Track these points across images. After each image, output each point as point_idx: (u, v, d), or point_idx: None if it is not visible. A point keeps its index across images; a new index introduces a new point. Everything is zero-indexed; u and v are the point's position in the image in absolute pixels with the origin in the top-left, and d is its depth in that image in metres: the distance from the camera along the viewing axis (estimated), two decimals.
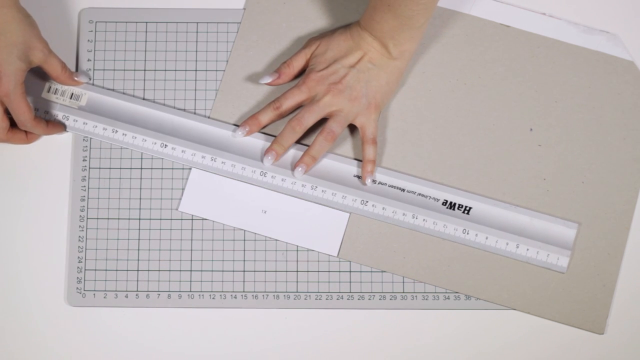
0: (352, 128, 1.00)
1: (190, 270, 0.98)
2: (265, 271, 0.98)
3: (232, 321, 0.98)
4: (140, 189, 0.99)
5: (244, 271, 0.98)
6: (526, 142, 1.00)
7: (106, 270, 0.98)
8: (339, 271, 0.98)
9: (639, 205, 1.00)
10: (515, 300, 0.98)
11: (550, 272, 0.98)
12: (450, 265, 0.98)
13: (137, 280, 0.98)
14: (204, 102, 1.01)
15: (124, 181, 0.99)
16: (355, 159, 1.00)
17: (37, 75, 1.01)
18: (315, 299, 0.98)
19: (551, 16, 1.03)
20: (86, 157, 1.00)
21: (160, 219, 0.99)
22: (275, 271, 0.98)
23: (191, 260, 0.98)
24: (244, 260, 0.98)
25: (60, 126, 0.99)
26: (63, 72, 0.98)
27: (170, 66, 1.02)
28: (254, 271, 0.98)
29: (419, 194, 0.99)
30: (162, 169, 1.00)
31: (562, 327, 0.98)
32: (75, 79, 1.00)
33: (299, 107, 0.99)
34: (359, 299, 0.98)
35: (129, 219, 0.99)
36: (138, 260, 0.98)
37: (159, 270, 0.98)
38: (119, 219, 0.99)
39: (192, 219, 0.99)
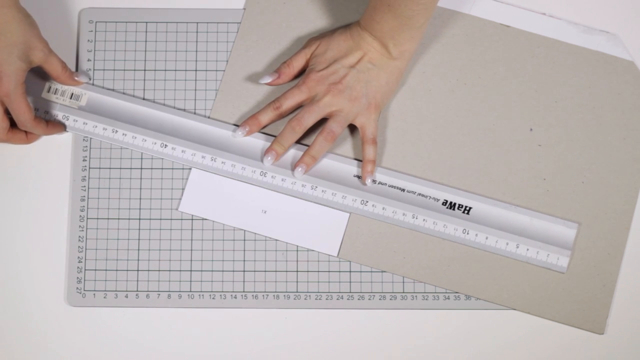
0: (352, 128, 1.00)
1: (190, 270, 0.98)
2: (265, 271, 0.98)
3: (232, 321, 0.98)
4: (140, 189, 0.99)
5: (244, 271, 0.98)
6: (526, 142, 1.00)
7: (106, 270, 0.98)
8: (339, 271, 0.98)
9: (639, 205, 1.00)
10: (515, 300, 0.98)
11: (550, 272, 0.98)
12: (450, 265, 0.98)
13: (137, 280, 0.98)
14: (204, 102, 1.01)
15: (124, 181, 0.99)
16: (355, 159, 1.00)
17: (37, 75, 1.01)
18: (315, 299, 0.98)
19: (551, 16, 1.03)
20: (86, 157, 1.00)
21: (160, 219, 0.99)
22: (275, 271, 0.98)
23: (191, 260, 0.98)
24: (244, 260, 0.98)
25: (60, 126, 0.99)
26: (63, 72, 0.98)
27: (170, 66, 1.02)
28: (254, 271, 0.98)
29: (419, 194, 0.99)
30: (162, 169, 1.00)
31: (562, 327, 0.98)
32: (76, 78, 1.00)
33: (299, 107, 0.99)
34: (359, 299, 0.98)
35: (129, 219, 0.99)
36: (138, 260, 0.98)
37: (159, 270, 0.98)
38: (119, 219, 0.99)
39: (192, 219, 0.99)
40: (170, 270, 0.98)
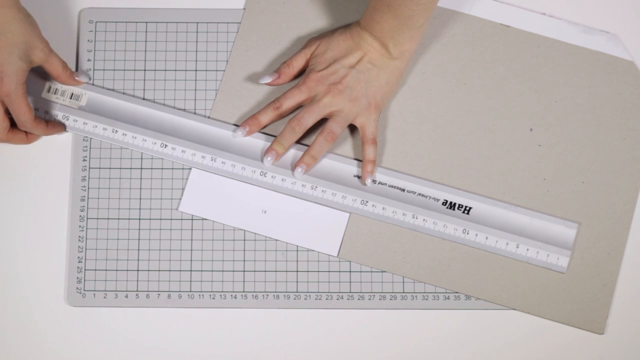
0: (352, 128, 1.00)
1: (190, 270, 0.98)
2: (265, 271, 0.98)
3: (232, 321, 0.98)
4: (140, 189, 0.99)
5: (244, 271, 0.98)
6: (526, 142, 1.00)
7: (106, 270, 0.98)
8: (339, 271, 0.98)
9: (639, 205, 1.00)
10: (515, 300, 0.98)
11: (550, 272, 0.98)
12: (450, 265, 0.98)
13: (137, 280, 0.98)
14: (204, 102, 1.01)
15: (124, 181, 0.99)
16: (355, 159, 1.00)
17: (37, 75, 1.01)
18: (315, 299, 0.98)
19: (551, 16, 1.03)
20: (86, 157, 1.00)
21: (160, 219, 0.99)
22: (275, 271, 0.98)
23: (191, 260, 0.98)
24: (244, 260, 0.98)
25: (60, 126, 0.99)
26: (64, 72, 0.98)
27: (170, 66, 1.02)
28: (254, 271, 0.98)
29: (419, 194, 0.99)
30: (162, 169, 1.00)
31: (562, 327, 0.98)
32: (76, 78, 1.00)
33: (299, 107, 0.99)
34: (359, 299, 0.98)
35: (129, 219, 0.99)
36: (138, 260, 0.98)
37: (159, 270, 0.98)
38: (119, 219, 0.99)
39: (192, 219, 0.99)
40: (170, 270, 0.98)
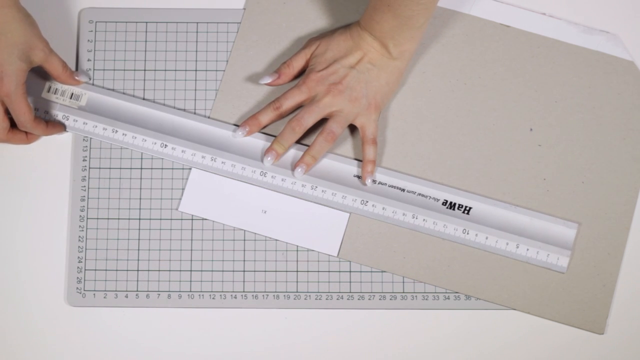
0: (352, 128, 1.00)
1: (190, 270, 0.98)
2: (265, 271, 0.98)
3: (232, 321, 0.98)
4: (140, 189, 0.99)
5: (244, 271, 0.98)
6: (526, 142, 1.00)
7: (106, 270, 0.98)
8: (339, 271, 0.98)
9: (639, 205, 1.00)
10: (515, 300, 0.98)
11: (550, 272, 0.98)
12: (450, 265, 0.98)
13: (137, 280, 0.98)
14: (204, 102, 1.01)
15: (124, 181, 0.99)
16: (356, 159, 1.00)
17: (37, 75, 1.00)
18: (315, 299, 0.98)
19: (551, 16, 1.03)
20: (86, 157, 1.00)
21: (160, 219, 0.99)
22: (275, 271, 0.98)
23: (191, 260, 0.98)
24: (244, 260, 0.98)
25: (60, 126, 0.99)
26: (64, 72, 0.98)
27: (170, 66, 1.02)
28: (254, 271, 0.98)
29: (419, 194, 0.99)
30: (162, 169, 1.00)
31: (562, 327, 0.98)
32: (76, 78, 0.99)
33: (299, 107, 0.99)
34: (359, 299, 0.98)
35: (129, 219, 0.99)
36: (138, 260, 0.98)
37: (159, 270, 0.98)
38: (119, 219, 0.99)
39: (192, 219, 0.99)
40: (170, 270, 0.98)
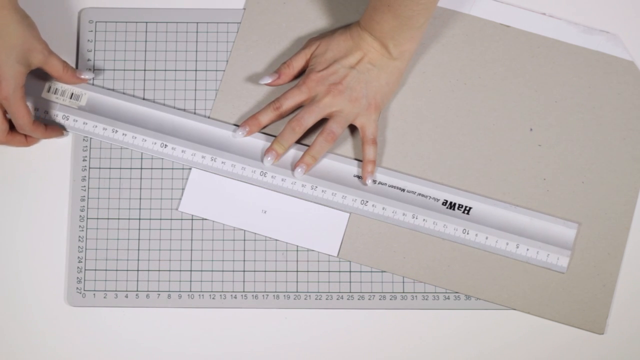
0: (352, 128, 1.00)
1: (190, 270, 0.98)
2: (265, 271, 0.98)
3: (232, 321, 0.98)
4: (140, 189, 0.99)
5: (244, 271, 0.98)
6: (526, 142, 1.00)
7: (106, 270, 0.98)
8: (339, 271, 0.98)
9: (639, 205, 1.00)
10: (515, 300, 0.98)
11: (550, 272, 0.98)
12: (450, 265, 0.98)
13: (137, 280, 0.98)
14: (204, 102, 1.01)
15: (124, 181, 0.99)
16: (356, 159, 1.00)
17: (37, 75, 1.00)
18: (315, 299, 0.98)
19: (551, 16, 1.03)
20: (86, 157, 1.00)
21: (160, 219, 0.99)
22: (275, 271, 0.98)
23: (191, 260, 0.98)
24: (244, 260, 0.98)
25: (59, 130, 0.99)
26: (65, 72, 0.97)
27: (170, 66, 1.02)
28: (254, 271, 0.98)
29: (419, 194, 0.99)
30: (162, 169, 1.00)
31: (562, 327, 0.98)
32: (80, 76, 0.99)
33: (299, 107, 0.99)
34: (359, 299, 0.98)
35: (129, 219, 0.99)
36: (138, 260, 0.98)
37: (159, 270, 0.98)
38: (119, 219, 0.99)
39: (192, 219, 0.99)
40: (170, 270, 0.98)
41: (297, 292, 0.98)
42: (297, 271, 0.98)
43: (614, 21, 1.04)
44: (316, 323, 0.98)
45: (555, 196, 0.99)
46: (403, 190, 0.99)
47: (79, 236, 0.98)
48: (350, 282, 0.98)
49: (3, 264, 0.98)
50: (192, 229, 0.99)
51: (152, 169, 1.00)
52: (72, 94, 1.01)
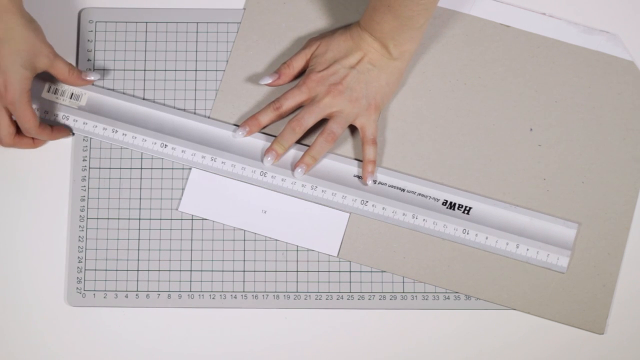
0: (352, 128, 1.00)
1: (190, 270, 0.98)
2: (265, 271, 0.98)
3: (232, 321, 0.98)
4: (140, 189, 0.99)
5: (244, 271, 0.98)
6: (526, 142, 1.00)
7: (106, 270, 0.98)
8: (339, 271, 0.98)
9: (639, 205, 1.00)
10: (515, 300, 0.98)
11: (550, 272, 0.98)
12: (450, 265, 0.98)
13: (137, 280, 0.98)
14: (204, 102, 1.01)
15: (124, 181, 0.99)
16: (356, 159, 1.00)
17: (37, 75, 1.00)
18: (315, 299, 0.98)
19: (551, 16, 1.03)
20: (86, 157, 1.00)
21: (160, 219, 0.99)
22: (275, 271, 0.98)
23: (191, 260, 0.98)
24: (244, 260, 0.98)
25: (66, 131, 0.99)
26: (70, 75, 0.97)
27: (170, 66, 1.02)
28: (254, 271, 0.98)
29: (419, 194, 0.99)
30: (162, 169, 1.00)
31: (562, 327, 0.98)
32: (86, 78, 0.99)
33: (299, 107, 0.99)
34: (359, 299, 0.98)
35: (129, 219, 0.99)
36: (138, 260, 0.98)
37: (159, 270, 0.98)
38: (119, 219, 0.99)
39: (192, 219, 0.99)
40: (170, 270, 0.98)
41: (297, 292, 0.98)
42: (297, 271, 0.98)
43: (614, 21, 1.04)
44: (316, 323, 0.98)
45: (555, 196, 0.99)
46: (403, 190, 0.99)
47: (79, 236, 0.98)
48: (350, 282, 0.98)
49: (3, 264, 0.98)
50: (192, 229, 0.99)
51: (152, 169, 1.00)
52: (72, 94, 1.01)
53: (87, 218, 0.99)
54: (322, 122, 0.98)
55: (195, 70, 1.02)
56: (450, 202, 0.99)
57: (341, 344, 0.98)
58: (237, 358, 0.97)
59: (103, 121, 1.00)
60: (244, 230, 0.99)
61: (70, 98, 1.01)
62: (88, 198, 0.99)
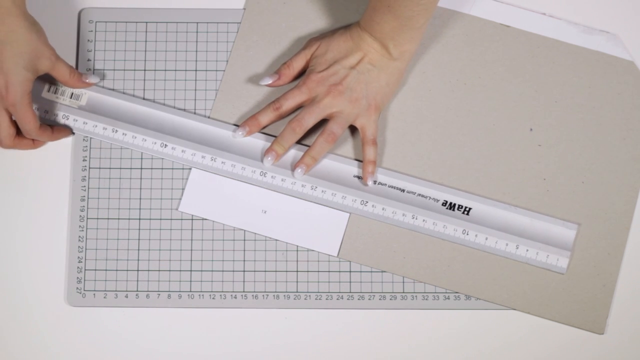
0: (352, 128, 1.00)
1: (190, 270, 0.98)
2: (265, 271, 0.98)
3: (232, 321, 0.98)
4: (140, 189, 0.99)
5: (244, 271, 0.98)
6: (526, 142, 1.00)
7: (106, 270, 0.98)
8: (339, 271, 0.98)
9: (639, 205, 1.00)
10: (515, 300, 0.98)
11: (551, 272, 0.98)
12: (450, 265, 0.98)
13: (137, 280, 0.98)
14: (204, 102, 1.01)
15: (124, 181, 0.99)
16: (356, 160, 1.00)
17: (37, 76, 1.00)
18: (315, 299, 0.98)
19: (551, 16, 1.03)
20: (86, 157, 1.00)
21: (160, 219, 0.99)
22: (275, 271, 0.98)
23: (191, 260, 0.98)
24: (244, 260, 0.98)
25: (66, 131, 0.99)
26: (71, 77, 0.97)
27: (170, 66, 1.02)
28: (254, 271, 0.98)
29: (419, 195, 0.99)
30: (162, 169, 1.00)
31: (562, 327, 0.98)
32: (86, 81, 0.99)
33: (299, 107, 0.99)
34: (359, 299, 0.98)
35: (129, 219, 0.99)
36: (138, 260, 0.98)
37: (159, 270, 0.98)
38: (119, 219, 0.99)
39: (192, 219, 0.99)
40: (170, 270, 0.98)
41: (297, 292, 0.98)
42: (297, 271, 0.98)
43: (614, 21, 1.04)
44: (316, 323, 0.98)
45: (555, 196, 0.99)
46: (403, 190, 0.99)
47: (79, 236, 0.98)
48: (350, 282, 0.98)
49: (3, 264, 0.98)
50: (192, 229, 0.99)
51: (152, 169, 1.00)
52: (72, 93, 1.01)
53: (87, 218, 0.99)
54: (322, 123, 0.98)
55: (195, 70, 1.02)
56: (450, 203, 0.99)
57: (341, 344, 0.98)
58: (237, 358, 0.97)
59: (103, 121, 1.00)
60: (244, 230, 0.99)
61: (70, 98, 1.01)
62: (88, 198, 0.99)
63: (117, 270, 0.98)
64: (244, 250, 0.98)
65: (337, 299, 0.98)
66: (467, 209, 0.98)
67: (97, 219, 0.99)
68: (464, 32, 1.03)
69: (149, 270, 0.98)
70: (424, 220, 0.98)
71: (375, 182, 0.99)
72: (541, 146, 1.00)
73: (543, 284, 0.98)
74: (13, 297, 0.98)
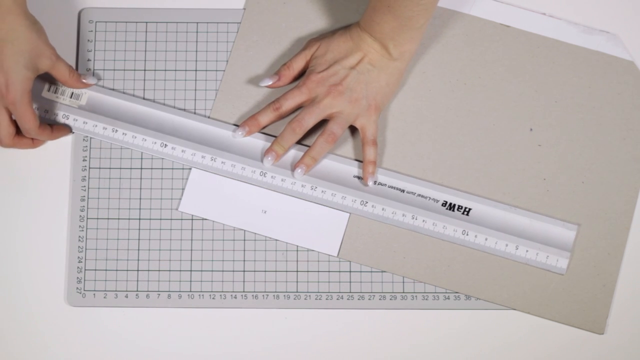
0: (352, 129, 1.00)
1: (190, 270, 0.98)
2: (265, 271, 0.98)
3: (232, 321, 0.98)
4: (140, 189, 0.99)
5: (244, 271, 0.98)
6: (526, 142, 1.00)
7: (106, 270, 0.98)
8: (339, 271, 0.98)
9: (639, 205, 1.00)
10: (515, 300, 0.98)
11: (551, 272, 0.98)
12: (450, 266, 0.98)
13: (137, 280, 0.98)
14: (204, 102, 1.01)
15: (124, 181, 0.99)
16: (356, 160, 1.00)
17: (37, 75, 1.00)
18: (315, 299, 0.98)
19: (551, 16, 1.03)
20: (86, 157, 1.00)
21: (160, 219, 0.99)
22: (275, 271, 0.98)
23: (191, 260, 0.98)
24: (244, 260, 0.98)
25: (66, 130, 0.99)
26: (71, 77, 0.98)
27: (170, 66, 1.02)
28: (254, 271, 0.98)
29: (419, 195, 0.99)
30: (162, 169, 1.00)
31: (562, 327, 0.98)
32: (84, 81, 0.99)
33: (299, 108, 0.99)
34: (359, 299, 0.98)
35: (129, 219, 0.99)
36: (138, 260, 0.98)
37: (159, 270, 0.98)
38: (119, 219, 0.99)
39: (192, 219, 0.99)
40: (170, 270, 0.98)
41: (297, 292, 0.98)
42: (297, 271, 0.98)
43: (614, 21, 1.03)
44: (316, 323, 0.98)
45: (555, 196, 0.99)
46: (403, 191, 0.99)
47: (79, 236, 0.98)
48: (350, 282, 0.98)
49: (3, 264, 0.98)
50: (192, 229, 0.99)
51: (152, 169, 1.00)
52: (72, 93, 1.01)
53: (87, 218, 0.99)
54: (322, 123, 0.98)
55: (195, 70, 1.02)
56: (450, 203, 0.99)
57: (341, 344, 0.98)
58: (237, 358, 0.97)
59: (103, 120, 1.00)
60: (244, 230, 0.99)
61: (71, 97, 1.01)
62: (88, 198, 0.99)
63: (117, 270, 0.98)
64: (244, 250, 0.98)
65: (337, 299, 0.98)
66: (467, 210, 0.98)
67: (97, 219, 0.99)
68: (464, 32, 1.03)
69: (149, 270, 0.98)
70: (423, 220, 0.98)
71: (375, 182, 0.99)
72: (541, 146, 1.00)
73: (543, 284, 0.98)
74: (13, 297, 0.98)
